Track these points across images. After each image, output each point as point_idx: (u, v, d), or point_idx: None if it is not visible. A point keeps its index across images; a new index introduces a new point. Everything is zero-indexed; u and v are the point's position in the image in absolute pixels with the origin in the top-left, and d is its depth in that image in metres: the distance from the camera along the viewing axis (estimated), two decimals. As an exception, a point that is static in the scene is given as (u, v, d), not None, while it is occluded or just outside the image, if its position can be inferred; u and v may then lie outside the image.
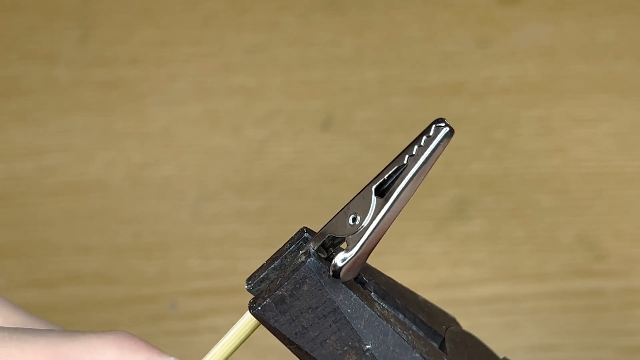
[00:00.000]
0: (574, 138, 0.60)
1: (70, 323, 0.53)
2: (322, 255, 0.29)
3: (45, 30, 0.63)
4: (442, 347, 0.32)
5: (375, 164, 0.59)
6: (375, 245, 0.28)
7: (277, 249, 0.30)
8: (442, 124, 0.27)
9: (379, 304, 0.30)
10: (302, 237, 0.30)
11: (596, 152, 0.59)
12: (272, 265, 0.30)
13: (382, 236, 0.28)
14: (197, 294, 0.53)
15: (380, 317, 0.29)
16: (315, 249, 0.29)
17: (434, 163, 0.28)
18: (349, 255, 0.28)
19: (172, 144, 0.59)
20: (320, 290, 0.29)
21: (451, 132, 0.27)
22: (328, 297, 0.29)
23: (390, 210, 0.28)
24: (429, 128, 0.28)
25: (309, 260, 0.29)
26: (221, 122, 0.60)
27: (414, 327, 0.32)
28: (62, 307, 0.53)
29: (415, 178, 0.28)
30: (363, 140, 0.60)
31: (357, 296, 0.29)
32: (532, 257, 0.56)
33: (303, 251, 0.29)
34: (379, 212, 0.28)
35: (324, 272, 0.29)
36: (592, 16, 0.65)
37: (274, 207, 0.57)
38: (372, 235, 0.28)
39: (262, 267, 0.31)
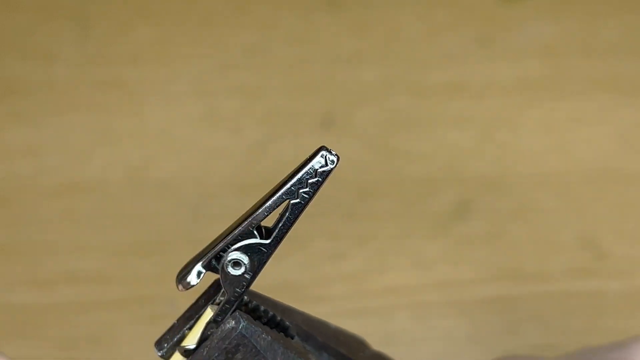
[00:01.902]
0: (575, 138, 0.60)
1: (70, 323, 0.53)
2: (251, 315, 0.27)
3: (43, 30, 0.63)
4: None
5: (375, 164, 0.59)
6: None
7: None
8: (332, 152, 0.26)
9: (312, 355, 0.28)
10: (218, 291, 0.28)
11: (598, 152, 0.59)
12: (188, 325, 0.28)
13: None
14: (197, 294, 0.53)
15: None
16: (243, 310, 0.27)
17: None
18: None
19: (172, 144, 0.59)
20: (256, 356, 0.26)
21: (338, 159, 0.26)
22: None
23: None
24: (314, 157, 0.26)
25: (241, 325, 0.26)
26: (221, 122, 0.60)
27: None
28: (61, 307, 0.53)
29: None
30: (363, 140, 0.59)
31: (295, 354, 0.27)
32: (532, 257, 0.56)
33: (231, 314, 0.27)
34: (266, 259, 0.27)
35: (259, 335, 0.26)
36: (593, 16, 0.65)
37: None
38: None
39: (174, 328, 0.28)
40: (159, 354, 0.28)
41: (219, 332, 0.26)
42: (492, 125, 0.60)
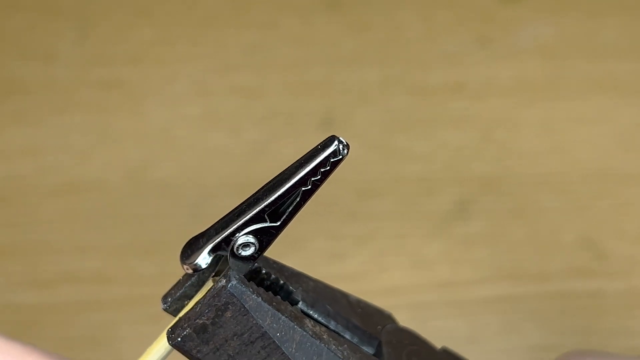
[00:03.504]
0: (575, 138, 0.60)
1: (70, 323, 0.53)
2: (245, 275, 0.27)
3: (43, 30, 0.63)
4: (378, 351, 0.30)
5: (375, 164, 0.59)
6: None
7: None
8: (343, 142, 0.26)
9: (310, 320, 0.28)
10: (224, 265, 0.28)
11: (597, 152, 0.59)
12: (190, 282, 0.28)
13: None
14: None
15: (312, 336, 0.27)
16: (235, 269, 0.27)
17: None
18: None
19: (172, 144, 0.59)
20: (245, 315, 0.26)
21: (349, 148, 0.26)
22: (254, 322, 0.26)
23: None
24: (326, 147, 0.27)
25: (230, 284, 0.26)
26: (221, 122, 0.60)
27: (348, 335, 0.30)
28: (61, 308, 0.53)
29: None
30: (363, 140, 0.59)
31: (286, 317, 0.27)
32: (532, 257, 0.55)
33: (223, 273, 0.27)
34: (274, 239, 0.27)
35: (248, 295, 0.26)
36: (593, 16, 0.65)
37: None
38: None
39: (179, 284, 0.28)
40: (162, 307, 0.28)
41: (211, 290, 0.27)
42: (492, 125, 0.60)
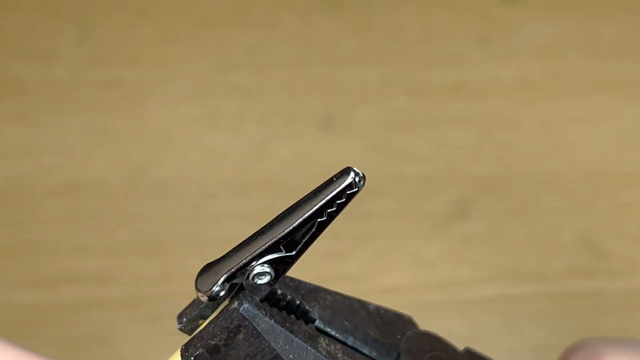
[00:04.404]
0: (575, 138, 0.60)
1: (70, 323, 0.53)
2: (258, 297, 0.27)
3: (43, 30, 0.63)
4: None
5: (375, 164, 0.59)
6: None
7: None
8: (359, 174, 0.26)
9: (325, 339, 0.28)
10: (240, 290, 0.28)
11: (597, 152, 0.59)
12: (205, 303, 0.28)
13: None
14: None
15: (326, 357, 0.27)
16: (249, 290, 0.27)
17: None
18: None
19: (172, 144, 0.59)
20: (257, 338, 0.26)
21: (365, 180, 0.26)
22: (267, 344, 0.26)
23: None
24: (342, 178, 0.26)
25: (242, 307, 0.26)
26: (221, 122, 0.60)
27: (366, 349, 0.30)
28: (61, 308, 0.53)
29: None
30: (363, 140, 0.59)
31: (299, 338, 0.27)
32: (532, 257, 0.55)
33: (236, 294, 0.27)
34: (289, 268, 0.27)
35: (261, 318, 0.26)
36: (593, 16, 0.65)
37: (274, 207, 0.57)
38: None
39: (194, 304, 0.28)
40: (178, 326, 0.28)
41: (224, 312, 0.27)
42: (492, 125, 0.60)
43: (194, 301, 0.28)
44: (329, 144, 0.59)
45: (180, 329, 0.28)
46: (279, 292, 0.29)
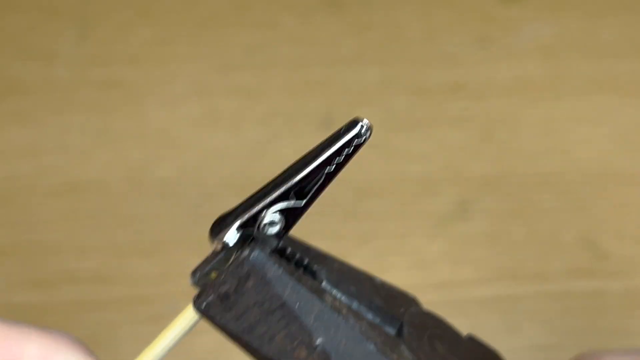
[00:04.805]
0: (575, 138, 0.60)
1: (70, 323, 0.53)
2: (268, 248, 0.28)
3: (43, 30, 0.63)
4: (400, 332, 0.31)
5: (375, 164, 0.59)
6: None
7: None
8: (366, 122, 0.27)
9: (331, 295, 0.29)
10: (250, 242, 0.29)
11: (597, 152, 0.59)
12: (218, 258, 0.29)
13: None
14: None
15: (331, 309, 0.28)
16: (260, 240, 0.28)
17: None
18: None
19: (172, 144, 0.59)
20: (266, 285, 0.27)
21: (372, 130, 0.28)
22: (275, 292, 0.27)
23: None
24: (350, 129, 0.28)
25: (253, 254, 0.27)
26: (221, 122, 0.60)
27: (370, 315, 0.31)
28: (61, 308, 0.53)
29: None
30: (363, 140, 0.59)
31: (306, 289, 0.28)
32: (532, 257, 0.55)
33: (248, 243, 0.28)
34: (299, 217, 0.28)
35: (270, 266, 0.27)
36: (593, 16, 0.65)
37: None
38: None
39: (207, 260, 0.29)
40: (191, 281, 0.29)
41: (235, 259, 0.28)
42: (492, 125, 0.60)
43: (206, 258, 0.29)
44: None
45: (193, 283, 0.29)
46: (289, 250, 0.30)
